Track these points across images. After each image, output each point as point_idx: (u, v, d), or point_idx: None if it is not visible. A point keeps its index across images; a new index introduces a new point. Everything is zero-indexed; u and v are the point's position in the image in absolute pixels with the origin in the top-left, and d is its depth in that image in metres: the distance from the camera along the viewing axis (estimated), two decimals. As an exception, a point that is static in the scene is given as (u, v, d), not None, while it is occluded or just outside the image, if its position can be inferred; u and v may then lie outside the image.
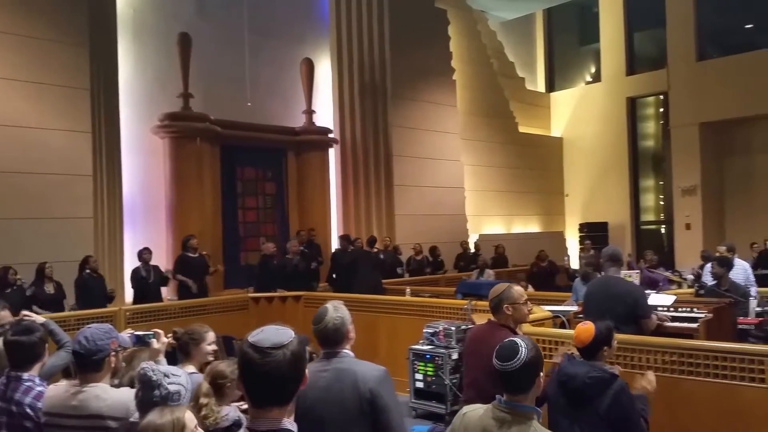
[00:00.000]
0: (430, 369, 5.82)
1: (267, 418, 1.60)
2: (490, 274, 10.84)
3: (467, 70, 15.45)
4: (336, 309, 2.56)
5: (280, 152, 11.90)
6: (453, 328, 5.79)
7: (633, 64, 17.55)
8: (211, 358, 3.19)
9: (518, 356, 2.22)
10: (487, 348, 3.40)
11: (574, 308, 5.69)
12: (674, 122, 15.89)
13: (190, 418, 2.07)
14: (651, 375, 3.28)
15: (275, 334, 1.64)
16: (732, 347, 3.80)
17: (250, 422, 1.63)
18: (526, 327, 4.50)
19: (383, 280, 9.80)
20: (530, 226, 17.20)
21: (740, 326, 5.64)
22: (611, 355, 3.25)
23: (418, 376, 6.00)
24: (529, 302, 3.56)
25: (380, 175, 12.97)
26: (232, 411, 2.93)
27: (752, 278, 7.21)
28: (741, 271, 7.03)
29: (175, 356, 3.32)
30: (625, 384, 2.99)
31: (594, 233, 16.12)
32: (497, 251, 13.26)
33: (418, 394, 6.02)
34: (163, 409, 2.08)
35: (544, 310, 5.42)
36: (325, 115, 12.67)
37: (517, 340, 2.29)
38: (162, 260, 9.73)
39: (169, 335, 3.24)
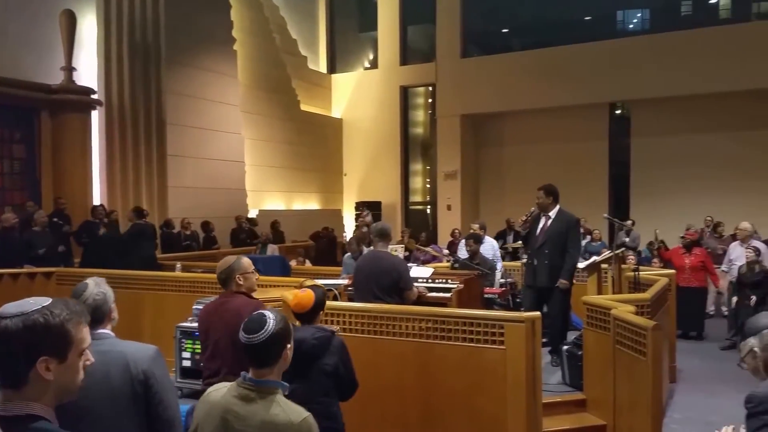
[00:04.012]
0: (199, 347, 5.62)
1: (11, 401, 1.42)
2: (273, 249, 10.80)
3: (249, 41, 15.06)
4: (98, 285, 2.40)
5: (32, 111, 10.45)
6: (224, 304, 5.63)
7: (406, 56, 18.67)
8: None
9: (265, 328, 2.18)
10: (229, 314, 3.44)
11: (345, 282, 5.90)
12: (440, 112, 17.31)
13: None
14: None
15: (18, 304, 1.46)
16: (478, 314, 4.19)
17: None
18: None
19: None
20: (310, 203, 17.49)
21: (486, 295, 6.34)
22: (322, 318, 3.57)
23: (186, 355, 5.80)
24: (256, 272, 3.72)
25: (151, 143, 12.08)
26: None
27: (498, 254, 8.15)
28: (489, 247, 7.90)
29: None
30: (342, 340, 3.31)
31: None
32: (273, 227, 13.22)
33: (185, 373, 5.80)
34: None
35: (319, 284, 5.53)
36: (88, 74, 11.39)
37: (266, 312, 2.25)
38: None
39: None
